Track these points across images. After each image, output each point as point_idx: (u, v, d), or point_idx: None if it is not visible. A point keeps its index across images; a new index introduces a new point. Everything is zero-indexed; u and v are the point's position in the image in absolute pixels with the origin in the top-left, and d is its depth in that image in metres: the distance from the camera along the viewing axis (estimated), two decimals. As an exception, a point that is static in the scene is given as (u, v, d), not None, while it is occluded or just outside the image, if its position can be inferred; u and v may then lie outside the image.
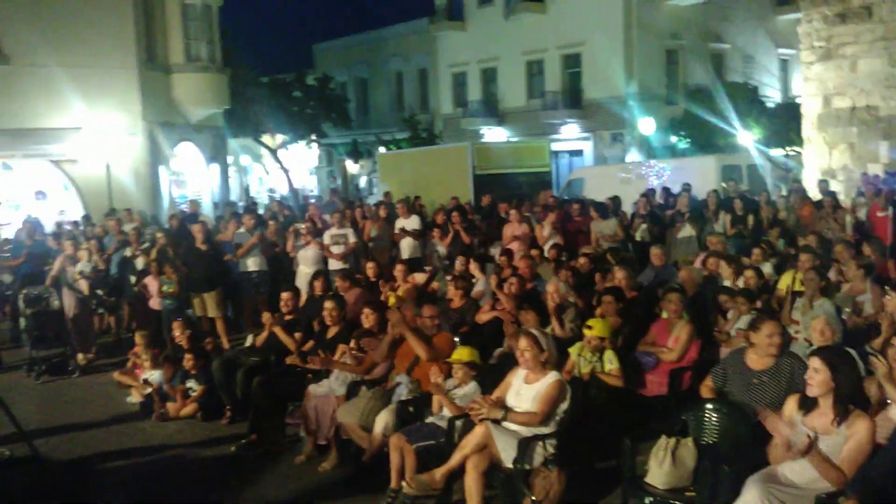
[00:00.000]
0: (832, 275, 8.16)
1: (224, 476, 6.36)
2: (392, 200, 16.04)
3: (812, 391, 4.20)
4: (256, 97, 29.16)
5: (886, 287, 6.69)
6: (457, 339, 6.60)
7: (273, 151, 33.75)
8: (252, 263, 10.82)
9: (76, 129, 19.31)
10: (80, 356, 10.08)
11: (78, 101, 18.99)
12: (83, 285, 10.63)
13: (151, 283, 10.38)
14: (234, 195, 31.37)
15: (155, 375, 8.24)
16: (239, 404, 7.37)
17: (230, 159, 28.25)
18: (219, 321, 10.27)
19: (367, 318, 6.91)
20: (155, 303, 10.41)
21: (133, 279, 11.08)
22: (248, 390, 6.90)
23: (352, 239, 11.32)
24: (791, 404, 4.36)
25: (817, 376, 4.16)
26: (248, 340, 9.98)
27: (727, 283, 7.92)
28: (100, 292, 11.02)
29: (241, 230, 11.13)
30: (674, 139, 27.81)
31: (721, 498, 4.25)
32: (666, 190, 15.52)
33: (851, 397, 4.12)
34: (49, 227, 16.80)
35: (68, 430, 7.66)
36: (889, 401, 4.44)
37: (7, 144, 18.85)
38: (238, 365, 7.51)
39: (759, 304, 7.02)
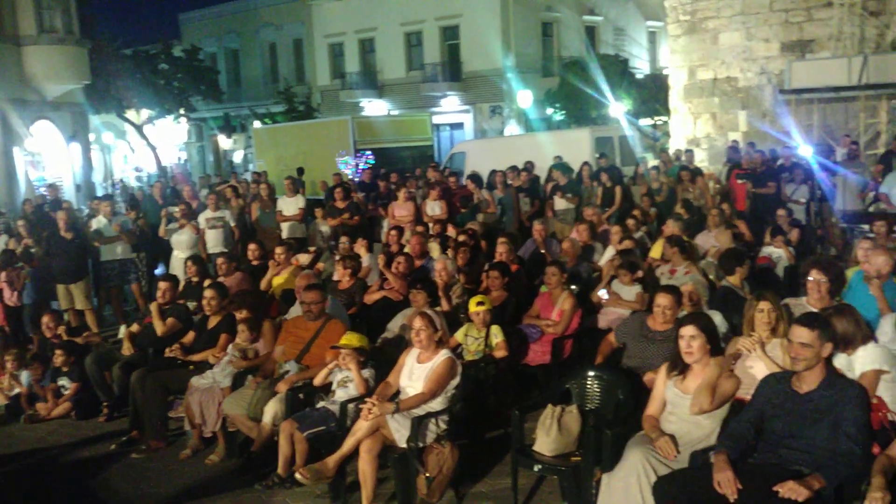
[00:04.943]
0: (704, 240, 8.68)
1: (106, 476, 6.05)
2: (266, 179, 15.51)
3: (691, 358, 4.36)
4: (119, 71, 27.61)
5: None
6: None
7: (138, 128, 32.14)
8: (119, 252, 10.27)
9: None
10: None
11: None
12: None
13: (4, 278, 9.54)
14: (98, 176, 29.74)
15: (22, 376, 7.69)
16: (116, 400, 7.06)
17: (92, 137, 26.64)
18: (88, 313, 9.75)
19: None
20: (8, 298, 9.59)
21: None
22: (125, 385, 6.60)
23: (232, 222, 10.95)
24: (663, 370, 4.53)
25: (695, 343, 4.34)
26: (121, 332, 9.55)
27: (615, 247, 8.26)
28: None
29: (101, 218, 10.44)
30: (550, 111, 28.38)
31: (604, 461, 4.40)
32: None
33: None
34: None
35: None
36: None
37: None
38: (113, 359, 7.17)
39: (640, 273, 7.32)
